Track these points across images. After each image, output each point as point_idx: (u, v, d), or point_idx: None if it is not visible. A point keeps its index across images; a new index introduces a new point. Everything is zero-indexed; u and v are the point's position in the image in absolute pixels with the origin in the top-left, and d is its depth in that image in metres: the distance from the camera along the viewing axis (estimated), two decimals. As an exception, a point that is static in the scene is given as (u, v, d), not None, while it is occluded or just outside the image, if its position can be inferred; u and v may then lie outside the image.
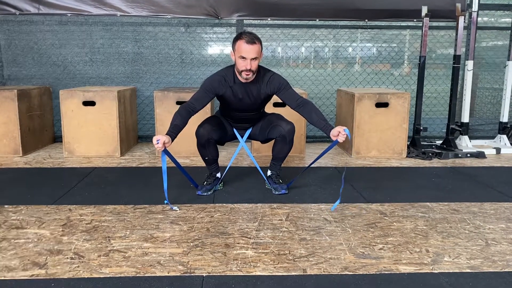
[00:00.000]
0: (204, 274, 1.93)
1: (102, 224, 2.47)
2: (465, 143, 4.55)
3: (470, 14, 4.56)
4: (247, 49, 2.68)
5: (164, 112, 4.07)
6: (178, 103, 4.05)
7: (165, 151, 2.65)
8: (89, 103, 4.05)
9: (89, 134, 4.09)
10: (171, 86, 4.83)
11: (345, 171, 2.81)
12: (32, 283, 1.85)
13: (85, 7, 4.59)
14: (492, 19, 5.12)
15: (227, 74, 2.85)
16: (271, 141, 3.17)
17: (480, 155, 4.29)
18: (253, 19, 4.82)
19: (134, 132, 4.74)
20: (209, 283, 1.86)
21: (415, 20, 4.86)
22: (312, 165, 3.88)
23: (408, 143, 4.45)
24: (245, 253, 2.13)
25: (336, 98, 4.87)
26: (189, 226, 2.45)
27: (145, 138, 4.88)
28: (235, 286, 1.84)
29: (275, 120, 3.03)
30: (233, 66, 2.85)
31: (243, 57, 2.70)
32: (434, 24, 4.89)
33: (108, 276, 1.90)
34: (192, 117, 2.83)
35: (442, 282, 1.88)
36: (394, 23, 4.97)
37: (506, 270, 1.99)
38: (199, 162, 3.86)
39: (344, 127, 2.65)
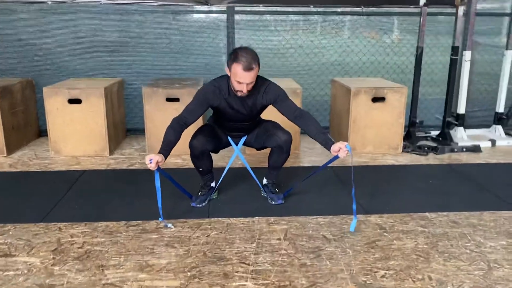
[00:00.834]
0: (204, 314, 1.87)
1: (95, 248, 2.38)
2: (460, 135, 4.49)
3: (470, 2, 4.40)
4: (244, 76, 2.53)
5: (153, 109, 3.91)
6: (168, 99, 3.89)
7: (158, 169, 2.55)
8: (74, 101, 3.87)
9: (76, 133, 3.92)
10: (160, 77, 4.62)
11: (353, 174, 2.72)
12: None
13: (66, -6, 4.33)
14: (489, 5, 4.97)
15: (221, 85, 2.70)
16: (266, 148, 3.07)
17: (476, 149, 4.25)
18: (244, 6, 4.61)
19: (123, 125, 4.58)
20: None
21: (412, 6, 4.68)
22: (308, 165, 3.81)
23: (404, 133, 4.34)
24: (244, 285, 2.07)
25: (330, 89, 4.74)
26: (185, 249, 2.38)
27: (134, 131, 4.73)
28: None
29: (271, 129, 2.92)
30: (227, 77, 2.69)
31: (239, 82, 2.57)
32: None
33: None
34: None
35: (446, 319, 1.85)
36: (391, 10, 4.79)
37: (510, 302, 1.97)
38: (191, 161, 3.74)
39: (346, 143, 2.54)
